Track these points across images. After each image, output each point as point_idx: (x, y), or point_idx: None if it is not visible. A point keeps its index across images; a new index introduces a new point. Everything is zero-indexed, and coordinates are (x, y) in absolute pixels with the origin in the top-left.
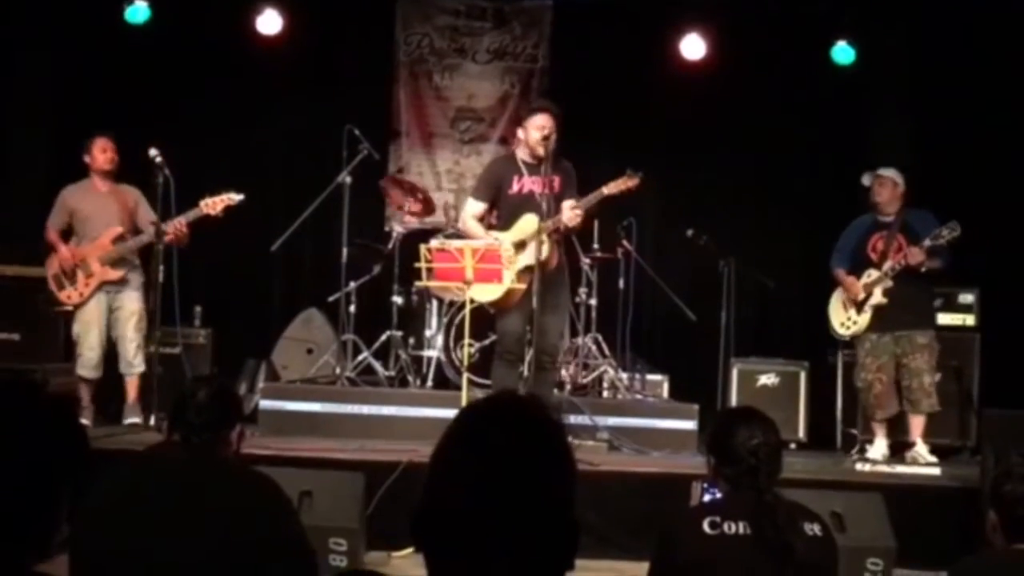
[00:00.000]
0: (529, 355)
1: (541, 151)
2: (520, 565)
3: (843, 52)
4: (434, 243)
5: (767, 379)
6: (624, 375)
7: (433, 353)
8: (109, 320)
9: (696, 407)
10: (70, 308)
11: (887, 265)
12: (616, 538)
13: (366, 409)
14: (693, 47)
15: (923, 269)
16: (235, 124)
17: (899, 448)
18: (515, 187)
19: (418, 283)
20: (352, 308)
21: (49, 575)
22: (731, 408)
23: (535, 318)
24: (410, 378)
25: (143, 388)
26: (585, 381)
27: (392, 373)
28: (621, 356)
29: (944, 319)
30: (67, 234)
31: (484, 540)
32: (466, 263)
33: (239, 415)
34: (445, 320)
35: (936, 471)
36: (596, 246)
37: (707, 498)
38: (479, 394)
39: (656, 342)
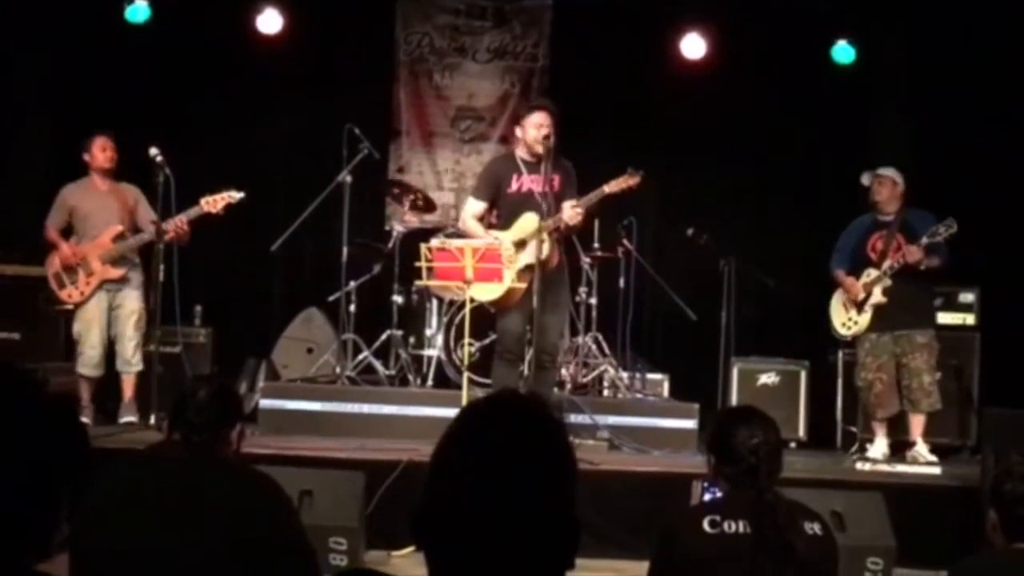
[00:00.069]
0: (529, 354)
1: (539, 149)
2: (521, 564)
3: (843, 51)
4: (434, 242)
5: (767, 378)
6: (624, 374)
7: (433, 352)
8: (109, 318)
9: (696, 406)
10: (71, 307)
11: (886, 264)
12: (616, 537)
13: (366, 408)
14: (693, 46)
15: (922, 267)
16: (235, 123)
17: (899, 447)
18: (514, 186)
19: (418, 282)
20: (352, 307)
21: (49, 575)
22: (731, 407)
23: (535, 317)
24: (410, 377)
25: (140, 387)
26: (585, 380)
27: (392, 372)
28: (621, 355)
29: (944, 318)
30: (66, 233)
31: (485, 539)
32: (466, 262)
33: (239, 414)
34: (445, 319)
35: (936, 470)
36: (596, 245)
37: (707, 497)
38: (479, 393)
39: (656, 341)
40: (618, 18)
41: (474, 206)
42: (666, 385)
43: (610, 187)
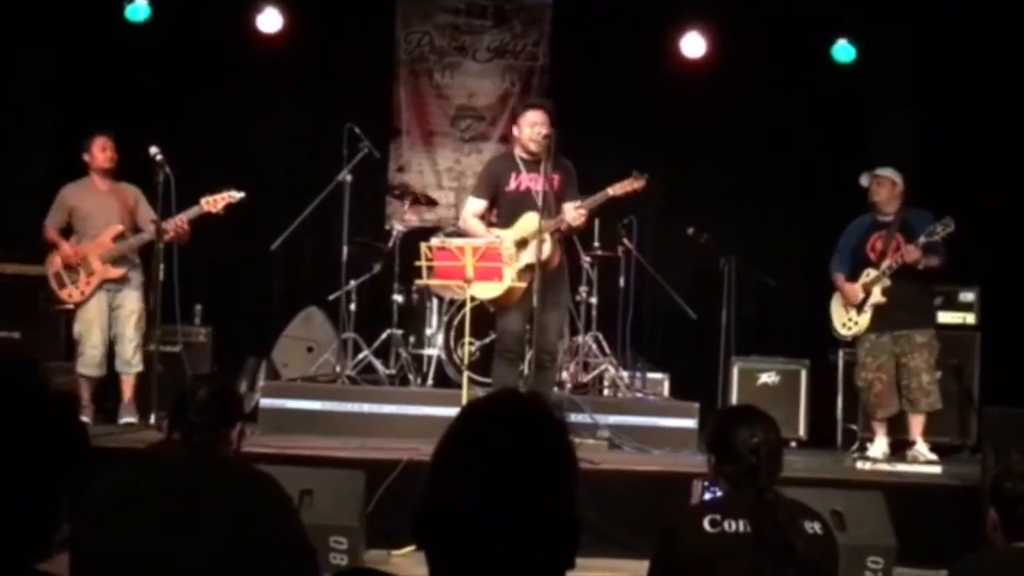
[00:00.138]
0: (530, 354)
1: (533, 147)
2: (521, 564)
3: (843, 50)
4: (435, 241)
5: (768, 377)
6: (625, 373)
7: (433, 351)
8: (109, 318)
9: (696, 405)
10: (71, 307)
11: (885, 264)
12: (616, 536)
13: (366, 407)
14: (693, 45)
15: (920, 267)
16: (235, 122)
17: (900, 447)
18: (513, 184)
19: (418, 281)
20: (352, 306)
21: (50, 574)
22: (731, 406)
23: (536, 316)
24: (410, 376)
25: (139, 388)
26: (586, 379)
27: (392, 371)
28: (622, 354)
29: (944, 317)
30: (66, 233)
31: (485, 538)
32: (467, 261)
33: (239, 413)
34: (445, 318)
35: (936, 469)
36: (597, 244)
37: (707, 496)
38: (480, 393)
39: (657, 340)
40: (618, 17)
41: (474, 205)
42: (666, 384)
43: (614, 190)
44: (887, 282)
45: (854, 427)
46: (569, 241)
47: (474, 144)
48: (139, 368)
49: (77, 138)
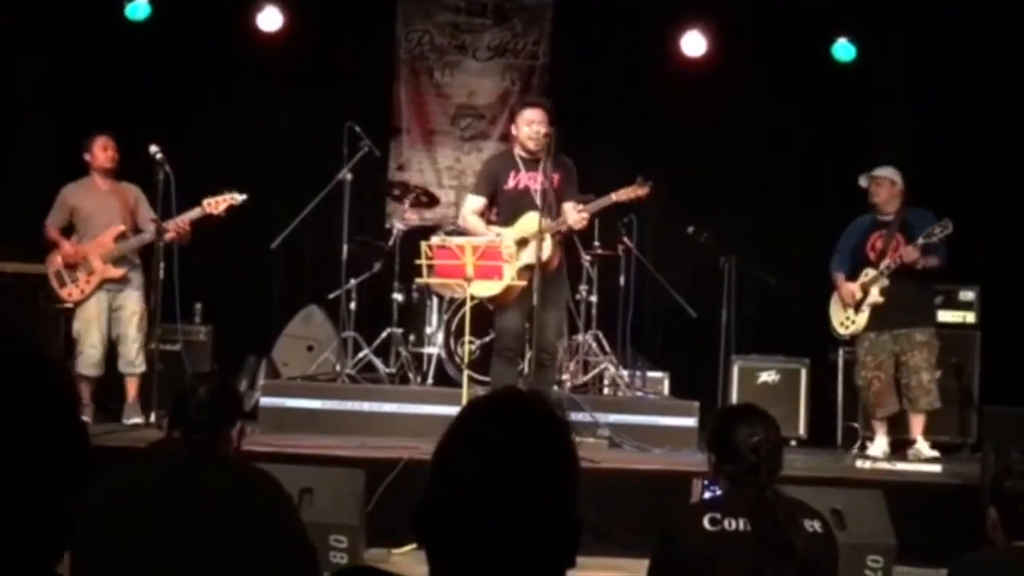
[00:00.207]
0: (530, 353)
1: (531, 146)
2: (522, 562)
3: (844, 49)
4: (435, 240)
5: (768, 376)
6: (625, 372)
7: (433, 350)
8: (110, 319)
9: (697, 404)
10: (70, 305)
11: (884, 264)
12: (617, 535)
13: (366, 406)
14: (694, 44)
15: (919, 267)
16: (236, 121)
17: (900, 446)
18: (511, 183)
19: (419, 280)
20: (352, 305)
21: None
22: (731, 405)
23: (535, 315)
24: (410, 375)
25: (143, 387)
26: (586, 378)
27: (392, 370)
28: (622, 353)
29: (944, 316)
30: (67, 232)
31: (486, 537)
32: (467, 260)
33: (239, 412)
34: (445, 317)
35: (936, 468)
36: (597, 243)
37: (707, 495)
38: (479, 391)
39: (657, 339)
40: (618, 16)
41: (474, 202)
42: (666, 383)
43: (618, 196)
44: (885, 282)
45: (855, 425)
46: (569, 240)
47: (474, 143)
48: (142, 368)
49: (77, 137)
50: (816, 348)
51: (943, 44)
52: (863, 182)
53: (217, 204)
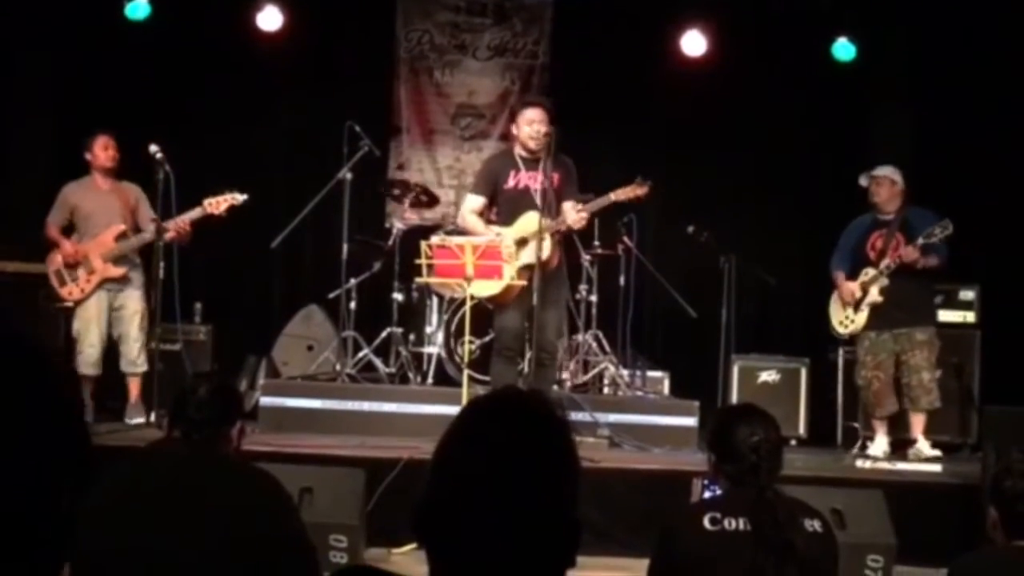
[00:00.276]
0: (530, 353)
1: (531, 145)
2: (522, 562)
3: (844, 48)
4: (435, 239)
5: (768, 376)
6: (625, 372)
7: (433, 350)
8: (111, 319)
9: (696, 404)
10: (70, 304)
11: (883, 263)
12: (617, 534)
13: (366, 406)
14: (694, 44)
15: (919, 266)
16: (235, 120)
17: (901, 446)
18: (511, 182)
19: (418, 279)
20: (352, 305)
21: None
22: (731, 405)
23: (535, 315)
24: (410, 375)
25: (145, 387)
26: (586, 378)
27: (392, 370)
28: (622, 353)
29: (945, 316)
30: (67, 232)
31: (486, 536)
32: (467, 259)
33: (239, 411)
34: (445, 317)
35: (936, 468)
36: (597, 242)
37: (707, 495)
38: (479, 391)
39: (657, 339)
40: (618, 15)
41: (473, 202)
42: (666, 383)
43: (617, 195)
44: (885, 281)
45: (855, 425)
46: (569, 239)
47: (474, 142)
48: (144, 368)
49: (77, 137)
50: (816, 348)
51: (943, 44)
52: (863, 181)
53: (218, 204)
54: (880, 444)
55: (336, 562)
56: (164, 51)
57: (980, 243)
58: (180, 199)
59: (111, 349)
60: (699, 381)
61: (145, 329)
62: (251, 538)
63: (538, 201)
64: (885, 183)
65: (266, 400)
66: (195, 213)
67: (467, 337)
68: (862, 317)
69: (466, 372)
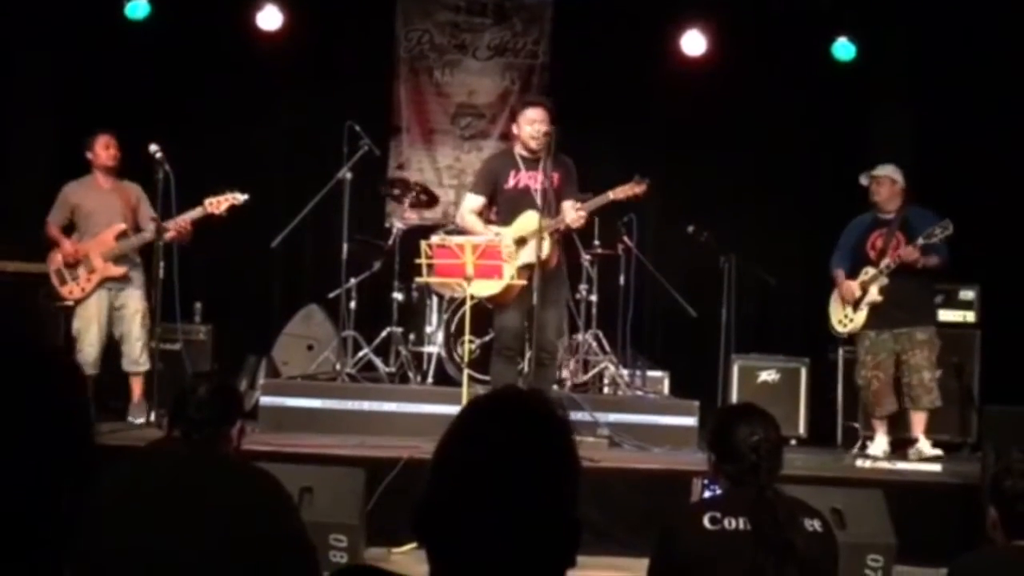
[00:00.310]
0: (530, 352)
1: (533, 145)
2: (522, 561)
3: (844, 48)
4: (435, 239)
5: (768, 375)
6: (625, 371)
7: (433, 349)
8: (112, 318)
9: (696, 403)
10: (71, 303)
11: (884, 263)
12: (616, 534)
13: (366, 405)
14: (694, 43)
15: (919, 266)
16: (235, 120)
17: (901, 445)
18: (512, 182)
19: (418, 279)
20: (352, 304)
21: None
22: (731, 405)
23: (535, 314)
24: (410, 374)
25: (148, 386)
26: (586, 377)
27: (392, 369)
28: (622, 352)
29: (945, 315)
30: (68, 231)
31: (487, 536)
32: (467, 259)
33: (239, 411)
34: (445, 316)
35: (936, 467)
36: (597, 242)
37: (707, 494)
38: (480, 390)
39: (657, 338)
40: (618, 15)
41: (472, 201)
42: (666, 382)
43: (615, 194)
44: (884, 281)
45: (855, 425)
46: (569, 239)
47: (474, 142)
48: (147, 367)
49: (77, 136)
50: (816, 347)
51: (943, 44)
52: (864, 180)
53: (219, 204)
54: (880, 444)
55: (336, 562)
56: (164, 51)
57: (980, 243)
58: (180, 199)
59: (112, 348)
60: (699, 381)
61: (147, 328)
62: (251, 538)
63: (538, 201)
64: (885, 182)
65: (266, 400)
66: (196, 212)
67: (467, 337)
68: (861, 316)
69: (466, 372)
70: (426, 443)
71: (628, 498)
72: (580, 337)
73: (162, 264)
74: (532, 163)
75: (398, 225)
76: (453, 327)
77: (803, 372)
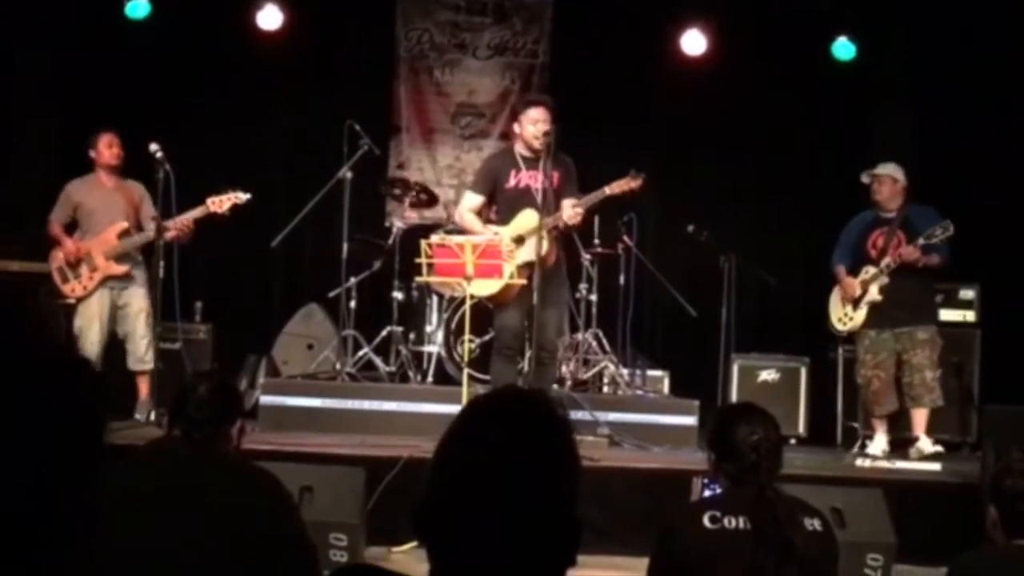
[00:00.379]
0: (530, 351)
1: (536, 144)
2: (522, 561)
3: (844, 48)
4: (435, 238)
5: (768, 375)
6: (625, 371)
7: (433, 349)
8: (115, 317)
9: (696, 403)
10: (72, 301)
11: (884, 262)
12: (617, 533)
13: (366, 405)
14: (694, 43)
15: (920, 265)
16: (236, 120)
17: (901, 444)
18: (512, 181)
19: (418, 278)
20: (352, 304)
21: None
22: (731, 404)
23: (535, 313)
24: (410, 374)
25: (153, 384)
26: (586, 377)
27: (392, 369)
28: (622, 352)
29: (945, 315)
30: (70, 229)
31: (487, 535)
32: (467, 258)
33: (240, 410)
34: (445, 316)
35: (936, 467)
36: (597, 242)
37: (707, 493)
38: (480, 390)
39: (657, 338)
40: (618, 15)
41: (471, 200)
42: (666, 382)
43: (611, 189)
44: (885, 280)
45: (855, 424)
46: (569, 238)
47: (474, 141)
48: (151, 365)
49: (78, 136)
50: (816, 347)
51: (943, 44)
52: (865, 179)
53: (221, 203)
54: (880, 443)
55: (336, 561)
56: (164, 51)
57: (980, 243)
58: (180, 198)
59: (116, 347)
60: (699, 380)
61: (151, 326)
62: (251, 537)
63: (539, 200)
64: (887, 181)
65: (266, 399)
66: (198, 212)
67: (467, 336)
68: (861, 315)
69: (466, 371)
70: (426, 442)
71: (628, 497)
72: (580, 336)
73: (162, 263)
74: (533, 162)
75: (398, 224)
76: (453, 326)
77: (803, 371)
